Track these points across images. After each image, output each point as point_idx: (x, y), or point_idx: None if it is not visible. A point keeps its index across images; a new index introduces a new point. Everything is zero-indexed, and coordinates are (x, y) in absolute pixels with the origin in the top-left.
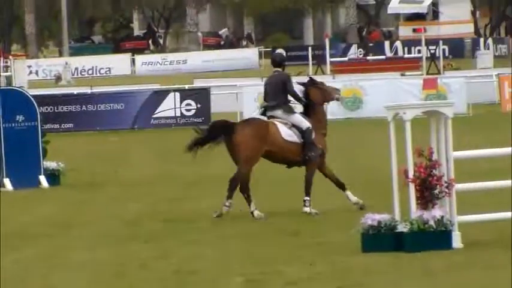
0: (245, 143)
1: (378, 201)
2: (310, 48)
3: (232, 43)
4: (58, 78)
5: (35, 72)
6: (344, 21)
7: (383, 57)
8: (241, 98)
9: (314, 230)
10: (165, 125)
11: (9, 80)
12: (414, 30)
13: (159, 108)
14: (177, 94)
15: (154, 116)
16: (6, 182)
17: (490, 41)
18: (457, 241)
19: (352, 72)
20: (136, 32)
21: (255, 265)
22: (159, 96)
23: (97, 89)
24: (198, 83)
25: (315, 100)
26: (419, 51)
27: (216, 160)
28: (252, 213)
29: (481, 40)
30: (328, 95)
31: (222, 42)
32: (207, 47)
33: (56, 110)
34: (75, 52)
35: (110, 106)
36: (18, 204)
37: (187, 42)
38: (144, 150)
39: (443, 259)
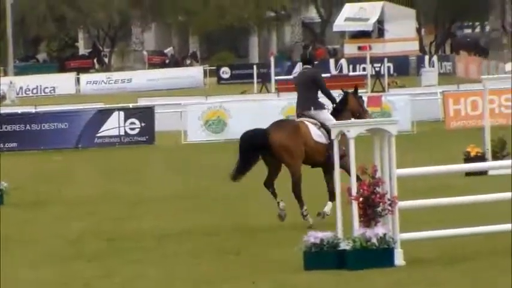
0: (284, 145)
1: (322, 219)
2: (255, 67)
3: (177, 62)
4: (2, 97)
5: None
6: (289, 39)
7: (328, 75)
8: (185, 117)
9: (256, 248)
10: (109, 143)
11: None
12: (359, 48)
13: (103, 127)
14: (121, 113)
15: (98, 135)
16: None
17: (435, 58)
18: (399, 258)
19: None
20: (82, 51)
21: (197, 284)
22: (103, 115)
23: (41, 108)
24: (143, 102)
25: (350, 106)
26: (364, 69)
27: (159, 180)
28: (278, 203)
29: (426, 57)
30: (363, 110)
31: (167, 61)
32: (152, 65)
33: None
34: (20, 71)
35: (54, 125)
36: None
37: (133, 61)
38: (88, 169)
39: (385, 276)
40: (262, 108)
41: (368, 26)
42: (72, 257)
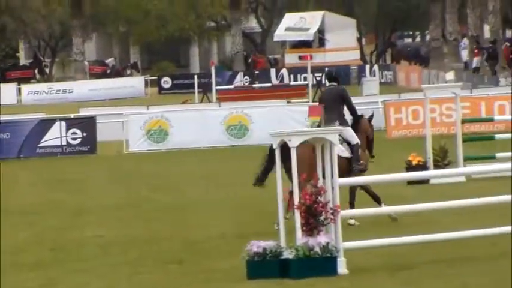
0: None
1: (264, 228)
2: (196, 76)
3: (118, 72)
4: None
5: None
6: (230, 49)
7: (269, 84)
8: (127, 127)
9: (198, 257)
10: (50, 153)
11: None
12: (300, 58)
13: (45, 137)
14: (63, 123)
15: (40, 145)
16: None
17: (375, 67)
18: (342, 267)
19: (238, 100)
20: (23, 61)
21: None
22: (45, 125)
23: None
24: (84, 112)
25: (361, 128)
26: (305, 79)
27: (101, 189)
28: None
29: (367, 67)
30: (370, 138)
31: (108, 71)
32: (94, 75)
33: None
34: None
35: None
36: None
37: (74, 71)
38: (30, 179)
39: (328, 285)
40: (204, 118)
41: (308, 35)
42: (14, 266)
